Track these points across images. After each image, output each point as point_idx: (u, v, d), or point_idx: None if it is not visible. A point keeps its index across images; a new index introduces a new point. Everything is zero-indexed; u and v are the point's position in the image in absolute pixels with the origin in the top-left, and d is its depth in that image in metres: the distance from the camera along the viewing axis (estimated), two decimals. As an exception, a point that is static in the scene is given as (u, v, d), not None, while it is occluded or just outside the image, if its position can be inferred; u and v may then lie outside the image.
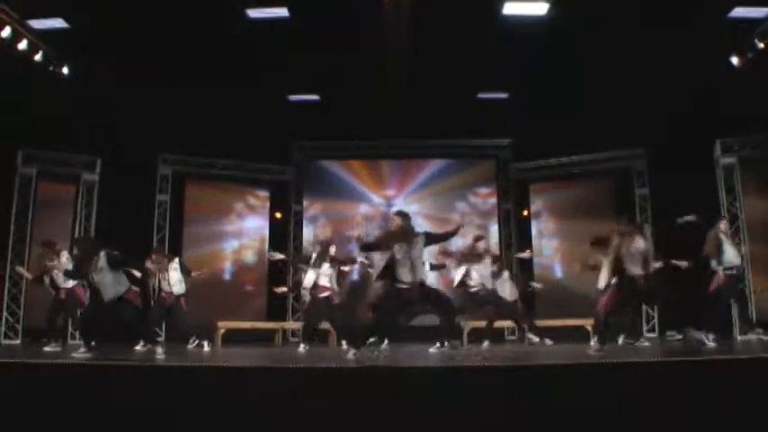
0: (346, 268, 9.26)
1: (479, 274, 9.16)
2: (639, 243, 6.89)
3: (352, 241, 13.78)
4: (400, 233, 6.50)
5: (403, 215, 6.68)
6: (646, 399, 4.19)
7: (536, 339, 9.82)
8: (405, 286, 6.38)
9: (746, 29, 10.01)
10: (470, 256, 9.13)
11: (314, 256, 9.06)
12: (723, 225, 8.49)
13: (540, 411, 4.14)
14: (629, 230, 7.03)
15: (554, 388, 4.33)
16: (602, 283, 8.72)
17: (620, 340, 9.08)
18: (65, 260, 8.75)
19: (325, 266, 8.83)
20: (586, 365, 4.98)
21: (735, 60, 10.45)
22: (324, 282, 8.81)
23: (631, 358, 5.62)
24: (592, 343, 7.26)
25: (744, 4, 9.62)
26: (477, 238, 9.44)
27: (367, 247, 7.23)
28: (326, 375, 4.76)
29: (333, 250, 9.08)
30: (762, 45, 9.90)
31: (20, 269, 9.95)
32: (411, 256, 6.40)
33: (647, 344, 8.67)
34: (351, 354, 6.25)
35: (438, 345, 8.11)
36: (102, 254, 6.75)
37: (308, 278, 8.95)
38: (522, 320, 10.28)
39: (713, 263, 8.28)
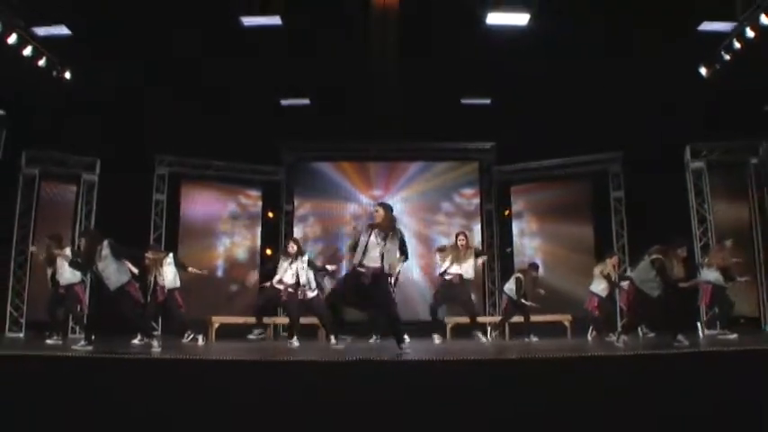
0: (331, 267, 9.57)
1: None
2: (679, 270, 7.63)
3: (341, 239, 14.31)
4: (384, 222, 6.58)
5: (386, 206, 6.74)
6: (639, 393, 4.31)
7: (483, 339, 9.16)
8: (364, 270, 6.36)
9: (714, 41, 10.61)
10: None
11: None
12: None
13: (534, 407, 4.20)
14: (672, 252, 7.57)
15: (546, 382, 4.43)
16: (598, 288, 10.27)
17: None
18: (68, 253, 9.10)
19: (289, 274, 8.85)
20: (576, 359, 5.09)
21: (703, 71, 11.02)
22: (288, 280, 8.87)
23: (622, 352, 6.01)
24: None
25: (712, 18, 10.23)
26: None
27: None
28: (319, 369, 4.83)
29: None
30: (727, 57, 10.48)
31: (33, 248, 10.26)
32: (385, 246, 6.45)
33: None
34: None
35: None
36: (106, 243, 7.06)
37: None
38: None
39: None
